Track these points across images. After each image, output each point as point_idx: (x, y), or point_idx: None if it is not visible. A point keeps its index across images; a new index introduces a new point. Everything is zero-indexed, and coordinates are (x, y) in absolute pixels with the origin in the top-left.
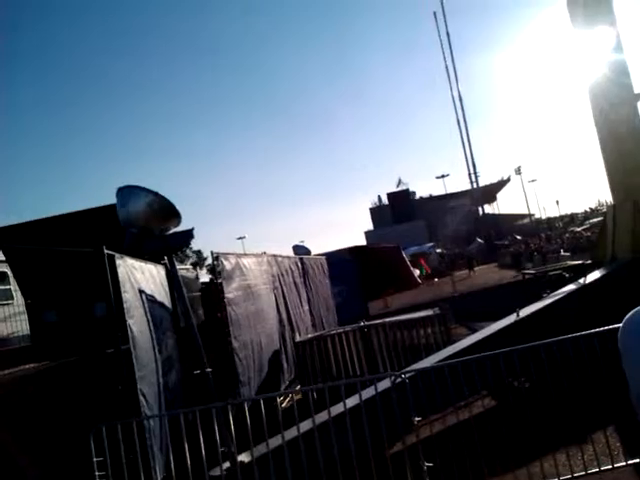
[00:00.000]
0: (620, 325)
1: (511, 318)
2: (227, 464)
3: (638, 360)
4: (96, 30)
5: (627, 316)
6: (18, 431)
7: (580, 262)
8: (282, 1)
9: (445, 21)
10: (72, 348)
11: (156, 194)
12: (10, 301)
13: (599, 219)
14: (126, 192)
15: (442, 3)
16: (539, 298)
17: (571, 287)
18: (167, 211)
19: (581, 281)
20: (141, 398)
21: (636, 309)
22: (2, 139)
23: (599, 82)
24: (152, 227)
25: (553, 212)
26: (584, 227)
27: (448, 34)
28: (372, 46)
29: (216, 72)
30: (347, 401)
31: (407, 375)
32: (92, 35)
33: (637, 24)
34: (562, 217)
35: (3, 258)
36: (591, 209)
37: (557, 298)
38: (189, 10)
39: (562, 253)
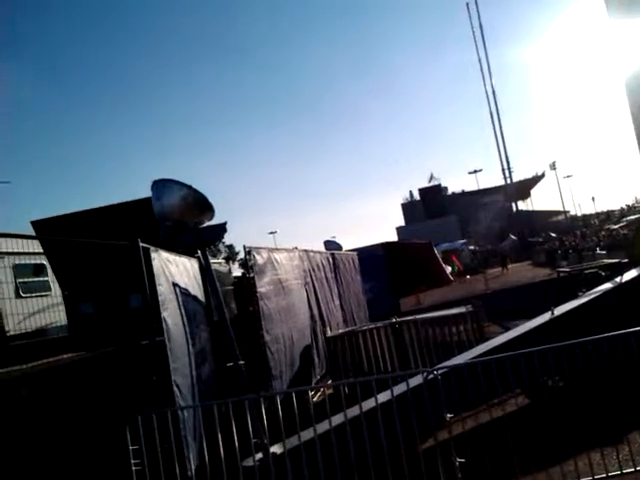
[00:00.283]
0: None
1: (546, 316)
2: (260, 455)
3: None
4: (127, 29)
5: None
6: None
7: (616, 260)
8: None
9: (478, 12)
10: (108, 339)
11: (190, 187)
12: (48, 292)
13: (636, 216)
14: (161, 185)
15: None
16: (574, 296)
17: (607, 286)
18: (201, 205)
19: (617, 280)
20: (175, 389)
21: None
22: (42, 136)
23: (636, 74)
24: (186, 220)
25: (589, 209)
26: (621, 225)
27: (481, 26)
28: (402, 39)
29: (247, 70)
30: (379, 396)
31: (439, 371)
32: (123, 34)
33: None
34: (598, 214)
35: (41, 250)
36: (628, 206)
37: (593, 297)
38: (216, 9)
39: (598, 251)
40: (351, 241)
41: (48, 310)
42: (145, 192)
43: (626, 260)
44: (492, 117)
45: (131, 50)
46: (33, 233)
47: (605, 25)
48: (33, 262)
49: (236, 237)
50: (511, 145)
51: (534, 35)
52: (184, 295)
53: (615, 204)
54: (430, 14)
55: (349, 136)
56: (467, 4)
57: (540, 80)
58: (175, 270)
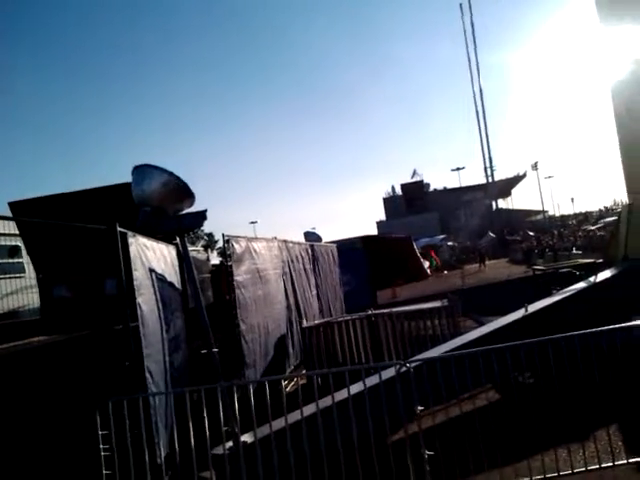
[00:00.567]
0: (627, 324)
1: (519, 313)
2: (230, 444)
3: None
4: (119, 15)
5: None
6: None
7: (591, 260)
8: None
9: (471, 12)
10: (82, 323)
11: (171, 174)
12: (22, 274)
13: (613, 218)
14: (141, 171)
15: None
16: (549, 294)
17: (581, 285)
18: (181, 191)
19: (591, 279)
20: (147, 375)
21: None
22: (22, 117)
23: (623, 79)
24: (166, 207)
25: (567, 210)
26: (598, 226)
27: (472, 26)
28: (394, 32)
29: (233, 57)
30: (351, 387)
31: (412, 364)
32: (115, 18)
33: None
34: (576, 215)
35: (17, 232)
36: (606, 208)
37: (566, 295)
38: None
39: (574, 251)
40: (331, 233)
41: (22, 292)
42: (125, 177)
43: (601, 260)
44: (478, 116)
45: (119, 34)
46: (9, 214)
47: (594, 30)
48: (8, 244)
49: (217, 225)
50: (494, 144)
51: (522, 37)
52: (160, 281)
53: (594, 206)
54: (423, 10)
55: (333, 128)
56: (460, 4)
57: (526, 81)
58: (152, 256)
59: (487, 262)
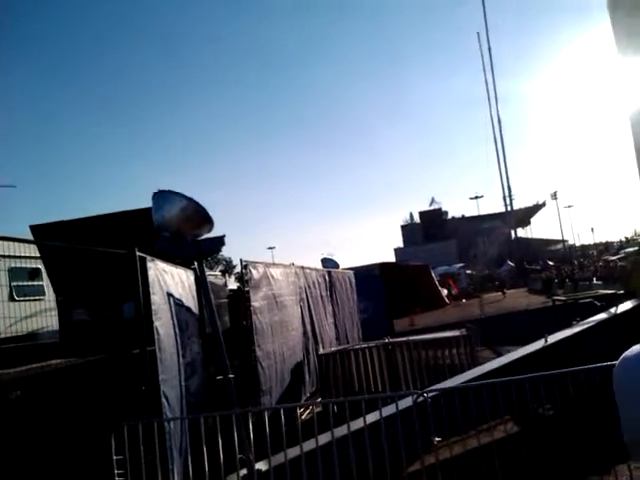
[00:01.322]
0: None
1: (539, 343)
2: (244, 471)
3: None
4: (128, 31)
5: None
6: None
7: (612, 291)
8: (320, 17)
9: (488, 39)
10: (99, 346)
11: (190, 200)
12: (42, 297)
13: (634, 249)
14: (161, 197)
15: (486, 21)
16: (569, 325)
17: (602, 316)
18: (200, 217)
19: (612, 310)
20: (163, 400)
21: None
22: (40, 141)
23: None
24: (184, 232)
25: (588, 239)
26: (618, 256)
27: (490, 53)
28: (411, 63)
29: (252, 85)
30: (367, 417)
31: (430, 394)
32: (125, 37)
33: None
34: (596, 245)
35: (38, 255)
36: (627, 238)
37: (587, 326)
38: (229, 18)
39: (594, 281)
40: (349, 260)
41: (41, 314)
42: (146, 203)
43: (622, 291)
44: (496, 144)
45: (138, 58)
46: (31, 237)
47: (612, 59)
48: (29, 266)
49: (235, 251)
50: (513, 172)
51: (540, 66)
52: (178, 306)
53: (614, 236)
54: (442, 39)
55: (353, 156)
56: (478, 33)
57: (545, 110)
58: (170, 280)
59: (506, 291)
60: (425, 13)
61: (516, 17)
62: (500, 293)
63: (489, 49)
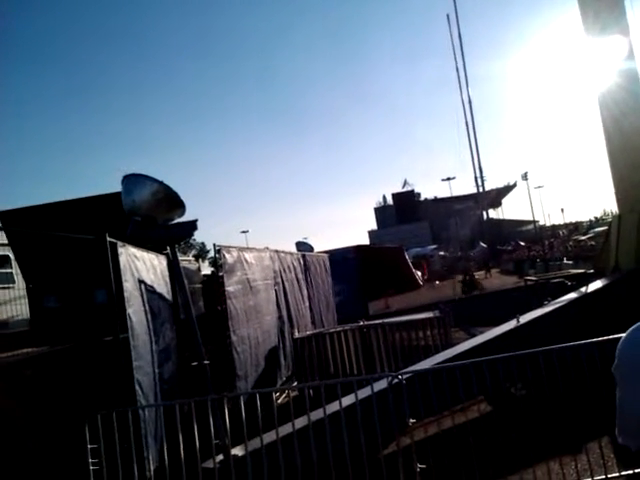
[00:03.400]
0: (618, 335)
1: (511, 324)
2: (220, 457)
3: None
4: (107, 24)
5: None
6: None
7: (582, 271)
8: (292, 2)
9: (458, 24)
10: (72, 334)
11: (161, 183)
12: (11, 285)
13: (603, 228)
14: (132, 180)
15: (455, 6)
16: (540, 305)
17: (572, 295)
18: (172, 201)
19: (583, 290)
20: (137, 387)
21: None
22: (11, 126)
23: (610, 90)
24: (156, 216)
25: (558, 220)
26: (588, 236)
27: (460, 37)
28: (383, 47)
29: (224, 70)
30: (343, 400)
31: (404, 376)
32: (103, 28)
33: None
34: (567, 225)
35: (6, 241)
36: (596, 218)
37: (558, 306)
38: (196, 9)
39: (565, 261)
40: (323, 243)
41: (11, 303)
42: (115, 187)
43: (592, 271)
44: (467, 126)
45: (110, 44)
46: None
47: (581, 42)
48: None
49: (208, 235)
50: (485, 154)
51: (512, 49)
52: (150, 292)
53: (584, 216)
54: (413, 23)
55: (325, 139)
56: (447, 15)
57: (516, 92)
58: (142, 266)
59: (478, 272)
60: None
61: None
62: (484, 272)
63: (459, 33)
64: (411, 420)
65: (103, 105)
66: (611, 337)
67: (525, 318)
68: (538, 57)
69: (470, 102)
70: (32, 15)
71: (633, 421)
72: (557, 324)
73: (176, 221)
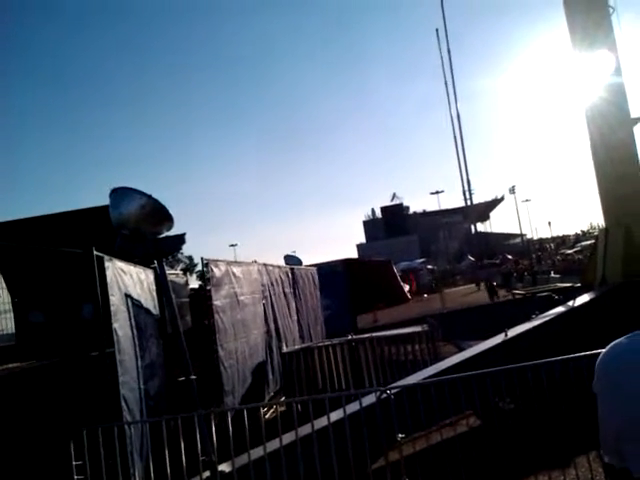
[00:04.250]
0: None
1: (499, 338)
2: (207, 473)
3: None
4: (101, 36)
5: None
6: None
7: (570, 284)
8: (283, 16)
9: (447, 39)
10: (57, 349)
11: (149, 197)
12: None
13: (590, 242)
14: (119, 193)
15: (444, 21)
16: (528, 319)
17: (560, 309)
18: (160, 214)
19: (570, 303)
20: (123, 403)
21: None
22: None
23: (596, 105)
24: (144, 230)
25: (545, 233)
26: (575, 249)
27: (449, 52)
28: (372, 63)
29: (215, 84)
30: (331, 415)
31: (392, 391)
32: (98, 41)
33: (636, 48)
34: (554, 238)
35: None
36: (583, 232)
37: (546, 320)
38: (190, 21)
39: (552, 275)
40: (312, 257)
41: None
42: (103, 201)
43: (579, 285)
44: (455, 141)
45: (100, 53)
46: None
47: (568, 57)
48: None
49: (197, 248)
50: (473, 168)
51: (500, 64)
52: (136, 307)
53: (571, 229)
54: (402, 40)
55: (314, 152)
56: (437, 30)
57: (504, 107)
58: (129, 280)
59: (465, 286)
60: (385, 13)
61: (474, 16)
62: (475, 285)
63: (448, 49)
64: (400, 435)
65: (87, 119)
66: (599, 351)
67: (513, 332)
68: (527, 71)
69: (459, 117)
70: (31, 30)
71: (611, 438)
72: (545, 338)
73: (164, 235)
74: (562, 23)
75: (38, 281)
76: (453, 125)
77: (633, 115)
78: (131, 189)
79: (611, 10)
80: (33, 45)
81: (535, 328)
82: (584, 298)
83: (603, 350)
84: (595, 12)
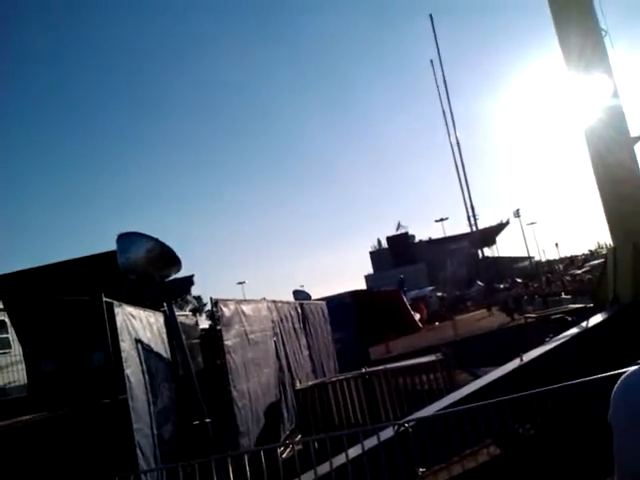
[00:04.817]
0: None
1: (515, 363)
2: None
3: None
4: (102, 76)
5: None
6: None
7: (582, 305)
8: (282, 49)
9: (442, 68)
10: (70, 398)
11: (156, 240)
12: (7, 350)
13: (599, 261)
14: (126, 239)
15: (438, 51)
16: (542, 342)
17: (574, 331)
18: (167, 258)
19: (583, 324)
20: (137, 450)
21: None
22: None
23: (595, 126)
24: (152, 273)
25: (553, 255)
26: (584, 269)
27: (445, 81)
28: (371, 94)
29: (217, 121)
30: (349, 451)
31: (410, 424)
32: (97, 82)
33: (633, 69)
34: (562, 259)
35: (1, 306)
36: (591, 251)
37: (560, 342)
38: (189, 60)
39: (563, 296)
40: (320, 290)
41: (7, 369)
42: (109, 246)
43: (591, 305)
44: (457, 168)
45: (102, 95)
46: None
47: (565, 80)
48: None
49: (205, 287)
50: (476, 193)
51: (499, 87)
52: (147, 351)
53: (578, 249)
54: (399, 69)
55: (317, 186)
56: (431, 61)
57: (504, 130)
58: (139, 325)
59: (476, 312)
60: (378, 44)
61: (471, 41)
62: (486, 310)
63: (444, 79)
64: (420, 469)
65: (93, 162)
66: (617, 372)
67: (528, 356)
68: (526, 95)
69: (458, 144)
70: (27, 78)
71: (629, 477)
72: (561, 361)
73: (173, 277)
74: (557, 46)
75: (48, 330)
76: (453, 153)
77: (633, 134)
78: (138, 233)
79: (604, 33)
80: (33, 89)
81: (550, 351)
82: (597, 318)
83: (622, 376)
84: (588, 36)
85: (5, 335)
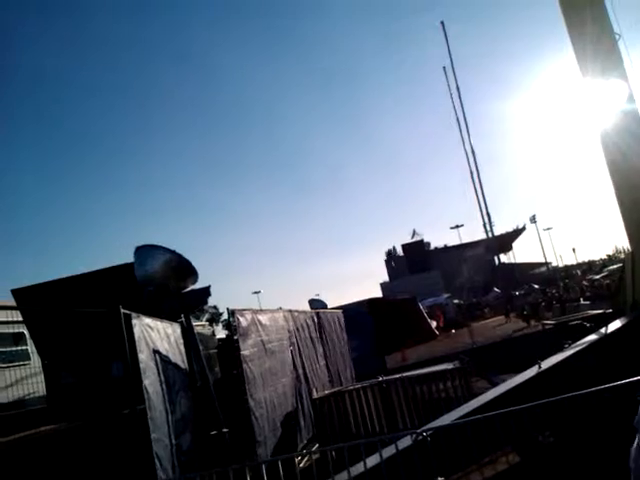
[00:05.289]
0: None
1: (533, 370)
2: None
3: None
4: (111, 90)
5: None
6: None
7: (601, 311)
8: (291, 58)
9: (455, 75)
10: (89, 409)
11: (174, 252)
12: (27, 362)
13: (617, 266)
14: (144, 251)
15: (451, 57)
16: (560, 349)
17: (592, 337)
18: (184, 269)
19: (602, 331)
20: (156, 460)
21: None
22: (16, 199)
23: (610, 132)
24: (169, 285)
25: (570, 260)
26: (602, 274)
27: (458, 88)
28: (384, 101)
29: (229, 134)
30: (367, 460)
31: (428, 433)
32: (107, 95)
33: None
34: (580, 265)
35: (21, 319)
36: (608, 256)
37: (579, 349)
38: (198, 74)
39: (582, 302)
40: (336, 298)
41: (27, 380)
42: (127, 258)
43: (610, 310)
44: (472, 175)
45: (111, 109)
46: (13, 301)
47: (580, 85)
48: (12, 331)
49: (221, 297)
50: (492, 199)
51: (514, 93)
52: (164, 362)
53: (596, 254)
54: (412, 75)
55: (332, 194)
56: (444, 67)
57: (519, 135)
58: (156, 336)
59: (493, 318)
60: (390, 51)
61: (483, 46)
62: (503, 317)
63: (457, 85)
64: (439, 478)
65: (106, 177)
66: (638, 378)
67: (547, 364)
68: (541, 99)
69: (473, 151)
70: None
71: None
72: (579, 367)
73: (190, 288)
74: (570, 51)
75: (67, 342)
76: (468, 160)
77: None
78: (155, 246)
79: (617, 37)
80: (44, 114)
81: (568, 358)
82: (616, 324)
83: None
84: (602, 40)
85: (24, 347)
